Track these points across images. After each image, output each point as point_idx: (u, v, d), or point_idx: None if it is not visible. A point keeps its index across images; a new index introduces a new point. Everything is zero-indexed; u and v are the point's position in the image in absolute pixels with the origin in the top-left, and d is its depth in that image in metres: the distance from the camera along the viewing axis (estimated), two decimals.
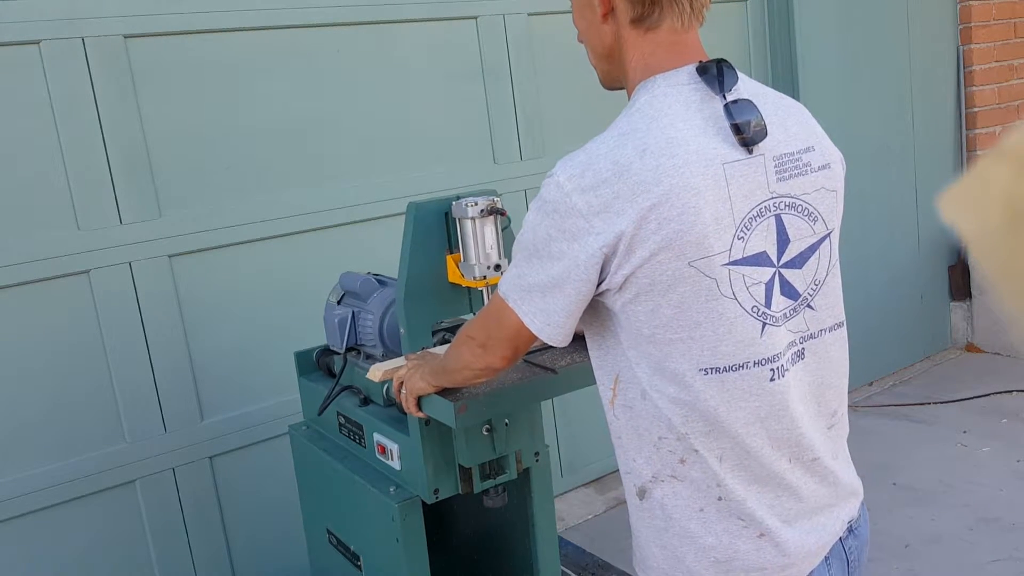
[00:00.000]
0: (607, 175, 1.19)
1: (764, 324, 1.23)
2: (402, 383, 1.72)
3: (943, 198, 0.58)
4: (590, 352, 1.37)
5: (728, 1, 4.13)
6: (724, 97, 1.22)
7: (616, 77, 1.37)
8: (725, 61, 1.25)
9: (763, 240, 1.23)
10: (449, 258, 1.82)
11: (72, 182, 2.55)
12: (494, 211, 1.76)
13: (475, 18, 3.30)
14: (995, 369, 4.72)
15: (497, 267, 1.76)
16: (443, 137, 3.26)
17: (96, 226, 2.59)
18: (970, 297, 5.05)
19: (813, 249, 1.29)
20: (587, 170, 1.21)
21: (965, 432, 4.00)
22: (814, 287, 1.30)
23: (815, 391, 1.32)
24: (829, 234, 1.31)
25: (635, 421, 1.30)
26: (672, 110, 1.22)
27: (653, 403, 1.26)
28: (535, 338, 1.31)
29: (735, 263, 1.21)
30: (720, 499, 1.27)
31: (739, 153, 1.21)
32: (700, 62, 1.26)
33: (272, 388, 2.90)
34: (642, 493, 1.33)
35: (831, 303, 1.33)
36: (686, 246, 1.18)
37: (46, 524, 2.58)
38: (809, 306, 1.29)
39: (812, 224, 1.28)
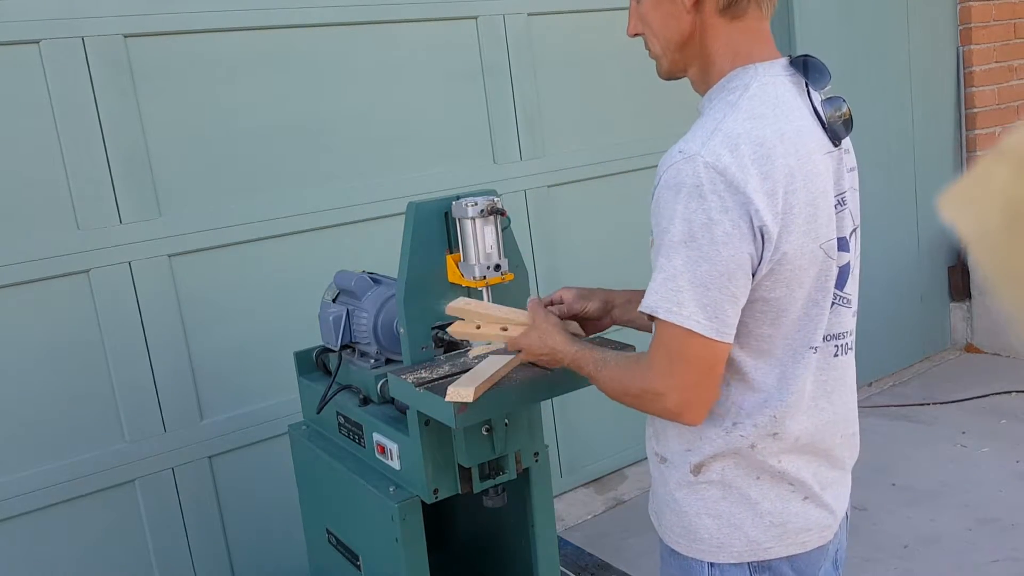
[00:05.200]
0: (756, 156, 1.20)
1: (833, 303, 1.33)
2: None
3: (943, 198, 0.58)
4: None
5: None
6: (809, 92, 1.30)
7: (684, 67, 1.38)
8: (813, 57, 1.32)
9: (840, 227, 1.33)
10: (449, 258, 1.82)
11: (72, 182, 2.55)
12: (494, 211, 1.75)
13: (475, 18, 3.30)
14: (994, 370, 4.72)
15: (497, 267, 1.76)
16: (443, 137, 3.26)
17: (96, 226, 2.59)
18: (970, 298, 5.05)
19: (850, 239, 1.37)
20: (736, 148, 1.20)
21: (964, 433, 4.00)
22: (850, 274, 1.39)
23: (850, 369, 1.43)
24: (856, 228, 1.40)
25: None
26: (786, 99, 1.28)
27: (739, 390, 1.31)
28: (719, 354, 1.23)
29: (838, 249, 1.32)
30: (778, 468, 1.34)
31: (829, 145, 1.30)
32: (790, 56, 1.33)
33: (272, 388, 2.90)
34: (698, 469, 1.36)
35: (855, 290, 1.42)
36: (819, 229, 1.26)
37: (46, 523, 2.58)
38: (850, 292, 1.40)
39: (850, 218, 1.37)
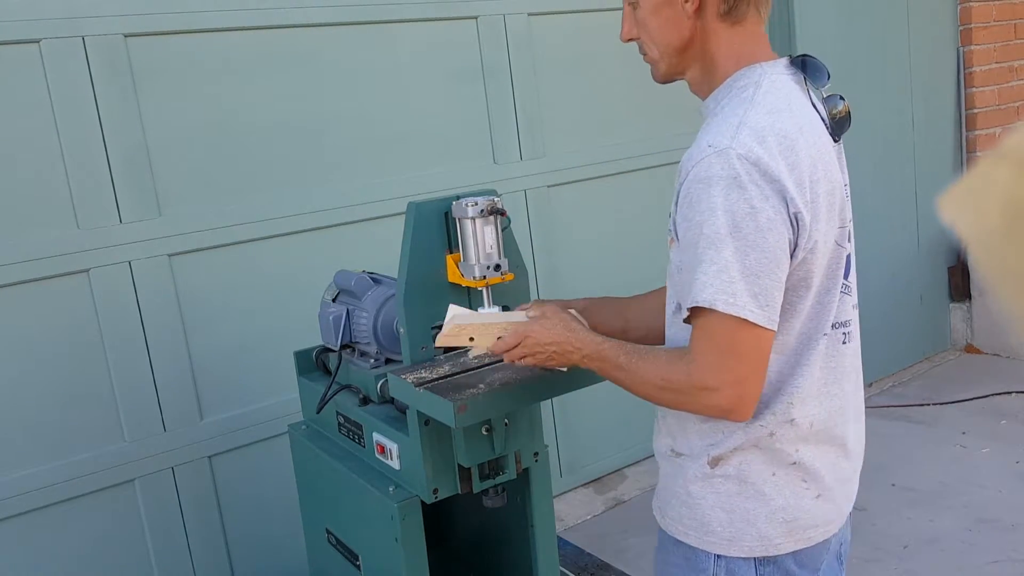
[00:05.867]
0: (782, 147, 1.23)
1: (844, 293, 1.36)
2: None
3: (943, 199, 0.58)
4: (677, 334, 1.38)
5: None
6: (810, 89, 1.34)
7: (683, 70, 1.40)
8: (811, 56, 1.36)
9: (846, 218, 1.37)
10: (449, 258, 1.81)
11: (72, 181, 2.55)
12: (494, 211, 1.75)
13: (475, 18, 3.30)
14: (994, 370, 4.72)
15: (497, 267, 1.76)
16: (443, 137, 3.26)
17: (96, 225, 2.59)
18: (970, 298, 5.05)
19: (850, 229, 1.41)
20: (763, 140, 1.22)
21: (964, 433, 4.00)
22: (848, 267, 1.42)
23: (855, 358, 1.45)
24: (850, 220, 1.42)
25: None
26: (794, 95, 1.31)
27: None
28: (767, 344, 1.25)
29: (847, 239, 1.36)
30: (794, 463, 1.35)
31: (831, 141, 1.34)
32: (790, 56, 1.37)
33: (271, 387, 2.90)
34: (716, 462, 1.36)
35: (854, 281, 1.45)
36: (835, 218, 1.30)
37: (45, 523, 2.58)
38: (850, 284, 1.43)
39: (850, 209, 1.41)
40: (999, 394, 4.36)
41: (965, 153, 4.96)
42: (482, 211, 1.74)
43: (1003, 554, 3.05)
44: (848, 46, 4.40)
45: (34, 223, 2.51)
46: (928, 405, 4.36)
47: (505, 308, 1.83)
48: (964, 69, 4.87)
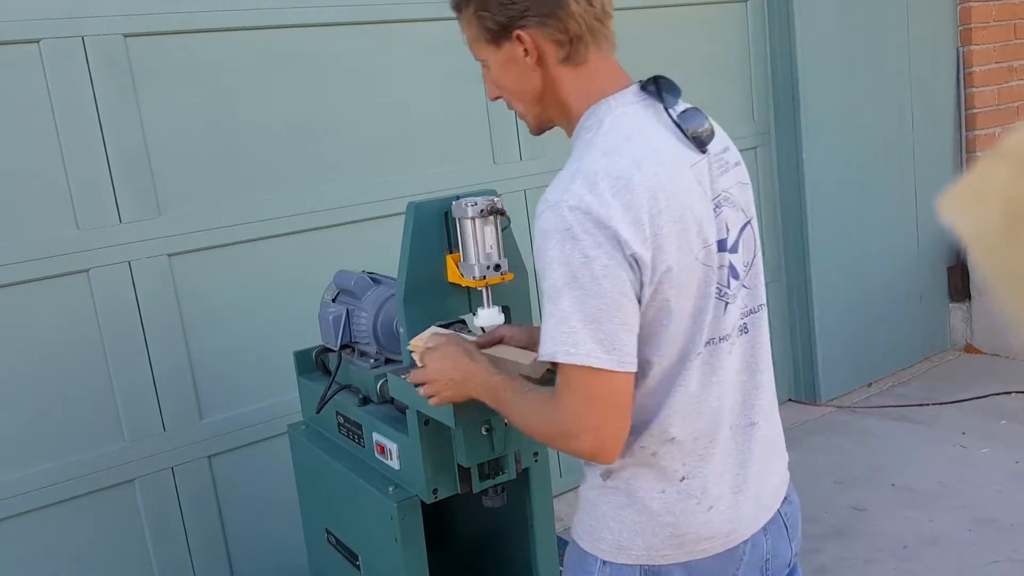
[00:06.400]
0: (615, 189, 1.23)
1: (726, 304, 1.36)
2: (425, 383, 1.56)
3: (943, 199, 0.58)
4: None
5: (728, 2, 4.13)
6: (669, 108, 1.34)
7: (549, 117, 1.43)
8: (663, 76, 1.36)
9: (720, 229, 1.35)
10: (449, 258, 1.82)
11: (72, 181, 2.55)
12: (494, 211, 1.75)
13: None
14: (994, 370, 4.72)
15: (497, 267, 1.76)
16: (443, 137, 3.26)
17: (95, 225, 2.59)
18: (969, 298, 5.05)
19: (740, 235, 1.40)
20: (594, 187, 1.23)
21: (964, 433, 4.00)
22: (746, 269, 1.41)
23: (753, 361, 1.43)
24: (749, 221, 1.42)
25: None
26: (639, 124, 1.31)
27: (635, 402, 1.31)
28: (623, 386, 1.25)
29: (717, 251, 1.34)
30: (683, 479, 1.35)
31: (695, 155, 1.33)
32: (640, 81, 1.37)
33: (271, 387, 2.90)
34: (607, 474, 1.38)
35: (759, 283, 1.45)
36: (692, 242, 1.28)
37: (45, 523, 2.58)
38: (744, 285, 1.41)
39: (737, 214, 1.40)
40: (999, 394, 4.36)
41: (965, 153, 4.96)
42: (482, 211, 1.74)
43: (1003, 554, 3.05)
44: (848, 46, 4.40)
45: (34, 223, 2.51)
46: (928, 405, 4.36)
47: (505, 308, 1.83)
48: (964, 69, 4.87)
